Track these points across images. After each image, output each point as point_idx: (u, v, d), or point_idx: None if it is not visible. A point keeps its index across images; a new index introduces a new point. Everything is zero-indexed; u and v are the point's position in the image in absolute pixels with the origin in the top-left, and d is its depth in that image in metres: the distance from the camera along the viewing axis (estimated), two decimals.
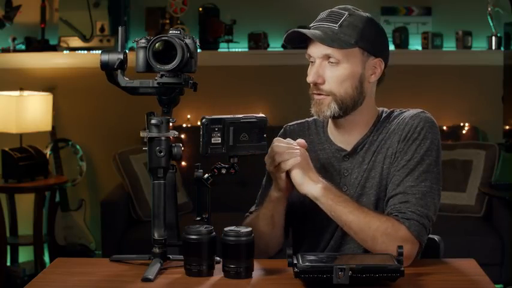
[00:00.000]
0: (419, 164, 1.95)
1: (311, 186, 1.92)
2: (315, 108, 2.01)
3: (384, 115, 2.07)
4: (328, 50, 1.96)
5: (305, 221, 2.08)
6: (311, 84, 2.00)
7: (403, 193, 1.93)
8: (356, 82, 1.98)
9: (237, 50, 4.94)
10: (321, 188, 1.91)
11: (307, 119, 2.15)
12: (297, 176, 1.92)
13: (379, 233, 1.87)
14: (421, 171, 1.94)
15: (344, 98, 1.98)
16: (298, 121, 2.17)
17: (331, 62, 1.97)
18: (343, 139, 2.07)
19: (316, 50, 1.99)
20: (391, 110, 2.09)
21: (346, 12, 1.99)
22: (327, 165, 2.06)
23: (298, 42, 2.02)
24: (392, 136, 2.01)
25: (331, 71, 1.98)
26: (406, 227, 1.88)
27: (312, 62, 2.01)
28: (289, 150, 1.92)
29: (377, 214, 1.92)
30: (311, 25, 2.02)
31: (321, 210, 1.97)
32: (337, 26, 1.97)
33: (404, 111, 2.05)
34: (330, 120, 2.08)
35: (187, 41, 1.82)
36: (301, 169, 1.92)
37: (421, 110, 2.04)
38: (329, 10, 2.02)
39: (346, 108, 1.99)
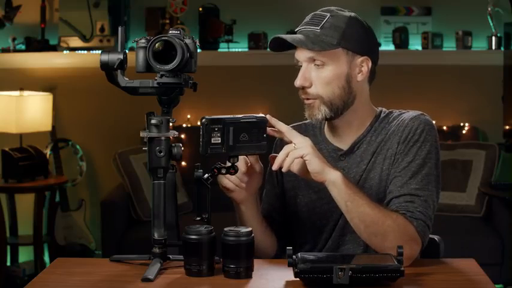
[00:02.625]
0: (421, 167, 1.94)
1: (331, 172, 1.86)
2: (307, 112, 2.01)
3: (382, 115, 2.07)
4: (311, 53, 1.96)
5: (302, 222, 2.08)
6: (300, 89, 2.00)
7: (407, 194, 1.92)
8: (342, 82, 1.98)
9: (237, 50, 4.93)
10: (341, 175, 1.87)
11: (304, 122, 2.15)
12: (313, 163, 1.85)
13: (390, 229, 1.86)
14: (424, 174, 1.94)
15: (332, 99, 1.98)
16: (295, 124, 2.16)
17: (317, 65, 1.97)
18: (340, 139, 2.06)
19: (301, 54, 1.99)
20: (390, 110, 2.09)
21: (328, 14, 1.98)
22: None
23: (286, 47, 2.00)
24: (392, 137, 2.00)
25: (316, 73, 1.98)
26: (414, 227, 1.89)
27: (300, 66, 2.01)
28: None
29: (389, 211, 1.90)
30: (296, 29, 2.02)
31: (317, 211, 1.96)
32: (318, 28, 1.96)
33: (404, 113, 2.05)
34: (325, 121, 2.08)
35: (187, 41, 1.82)
36: (317, 157, 1.86)
37: (421, 112, 2.03)
38: (312, 13, 2.01)
39: (337, 109, 1.99)
